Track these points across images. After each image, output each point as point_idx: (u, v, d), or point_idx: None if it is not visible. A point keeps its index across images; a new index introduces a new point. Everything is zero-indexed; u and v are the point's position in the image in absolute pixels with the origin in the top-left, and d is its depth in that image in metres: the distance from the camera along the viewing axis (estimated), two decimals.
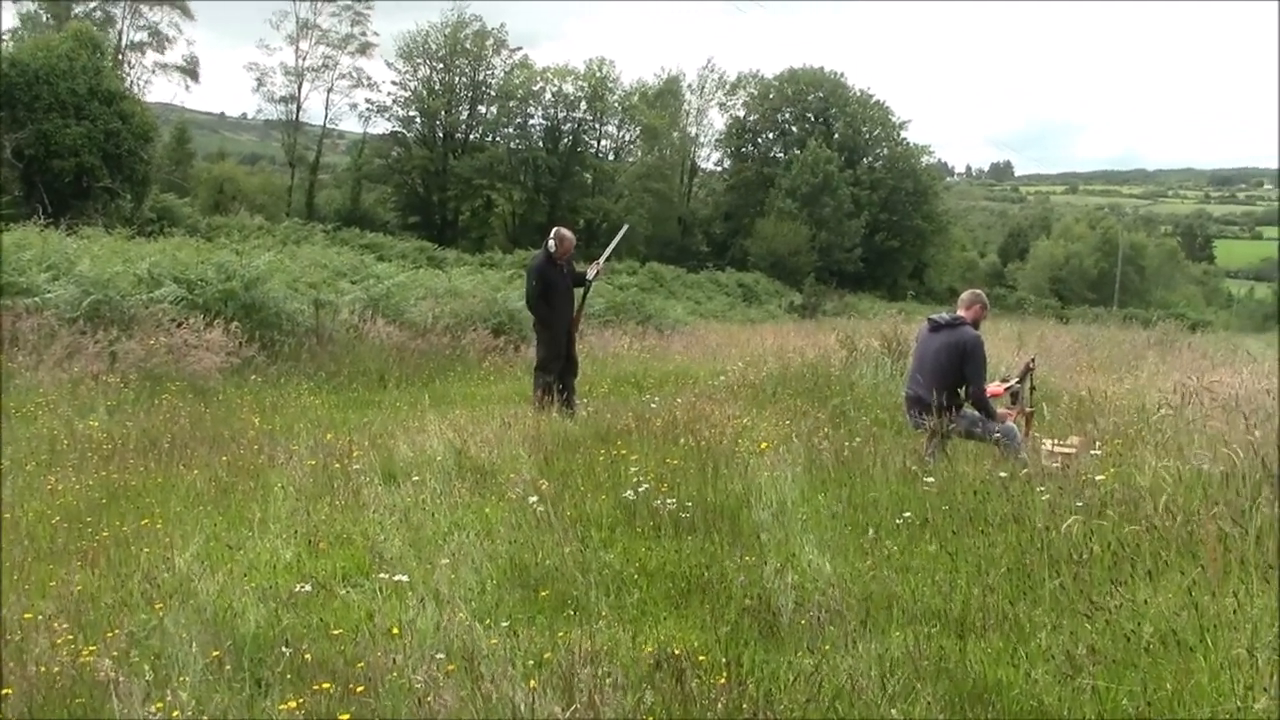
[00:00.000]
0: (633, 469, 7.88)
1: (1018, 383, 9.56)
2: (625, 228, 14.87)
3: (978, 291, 9.91)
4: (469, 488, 7.86)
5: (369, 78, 67.89)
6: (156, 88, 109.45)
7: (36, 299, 13.56)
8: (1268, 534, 5.75)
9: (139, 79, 57.54)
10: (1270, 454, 6.87)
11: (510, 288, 23.01)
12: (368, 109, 68.56)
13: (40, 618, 5.08)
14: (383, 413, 12.25)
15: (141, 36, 58.94)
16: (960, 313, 9.49)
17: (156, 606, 5.24)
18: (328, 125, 70.56)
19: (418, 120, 68.52)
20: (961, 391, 9.11)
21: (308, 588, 5.56)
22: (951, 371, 9.12)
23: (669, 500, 6.94)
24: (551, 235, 12.35)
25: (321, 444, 9.45)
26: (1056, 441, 8.92)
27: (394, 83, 68.43)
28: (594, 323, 19.81)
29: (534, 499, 7.04)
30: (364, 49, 67.02)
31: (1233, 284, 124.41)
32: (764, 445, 8.87)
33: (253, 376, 13.52)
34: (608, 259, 13.35)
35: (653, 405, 11.57)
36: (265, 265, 16.27)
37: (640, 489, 7.16)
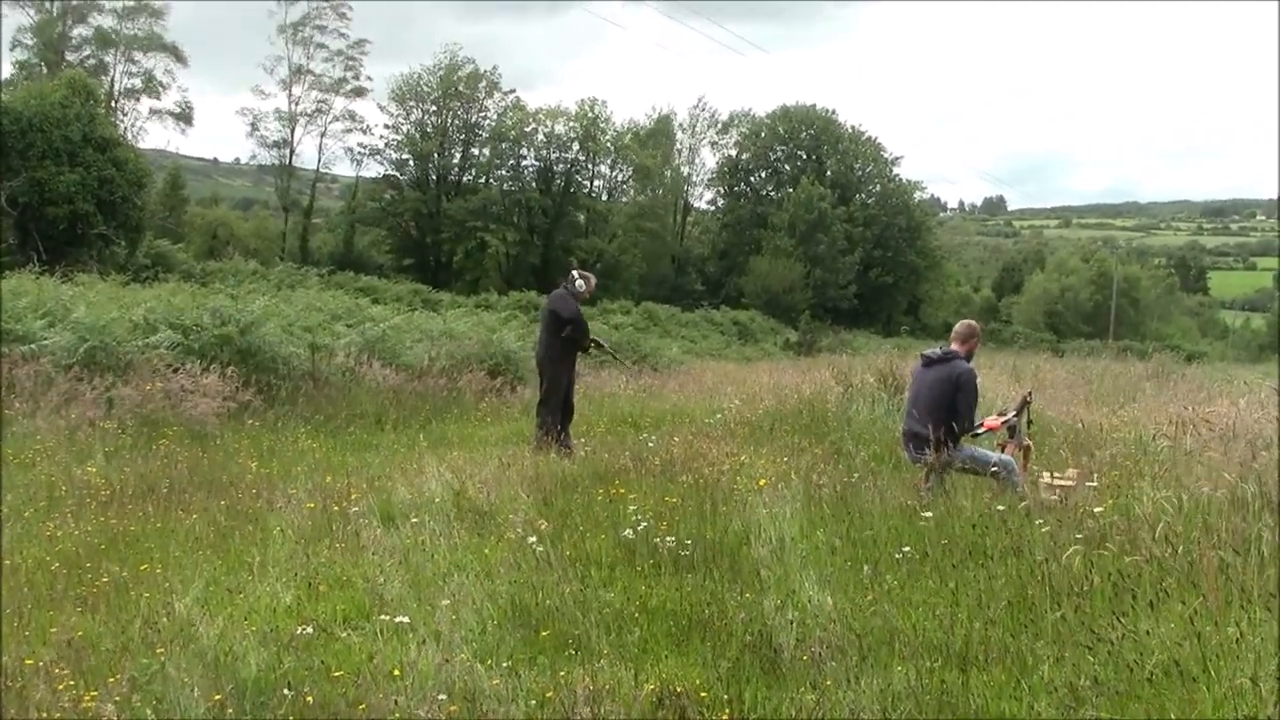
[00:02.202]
0: (631, 508, 7.88)
1: (1014, 416, 9.57)
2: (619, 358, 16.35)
3: (969, 322, 9.96)
4: (468, 529, 7.86)
5: (362, 121, 68.07)
6: (150, 134, 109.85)
7: (33, 346, 13.55)
8: (1269, 562, 5.76)
9: (133, 125, 57.71)
10: (1270, 480, 6.89)
11: (505, 329, 23.03)
12: (361, 152, 68.85)
13: (41, 664, 5.06)
14: (380, 455, 12.23)
15: (135, 83, 59.14)
16: (953, 346, 9.55)
17: (157, 651, 5.23)
18: (321, 169, 70.76)
19: (411, 163, 68.75)
20: (958, 426, 9.15)
21: (308, 630, 5.55)
22: (946, 405, 9.16)
23: (668, 538, 6.94)
24: (579, 275, 12.73)
25: (320, 487, 9.45)
26: (1054, 474, 8.94)
27: (387, 126, 68.81)
28: (590, 363, 19.80)
29: (533, 539, 7.04)
30: (357, 93, 67.36)
31: (1228, 315, 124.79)
32: (762, 482, 8.87)
33: (250, 421, 13.50)
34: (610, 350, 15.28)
35: (650, 444, 11.59)
36: (260, 310, 16.24)
37: (639, 527, 7.17)
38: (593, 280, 13.04)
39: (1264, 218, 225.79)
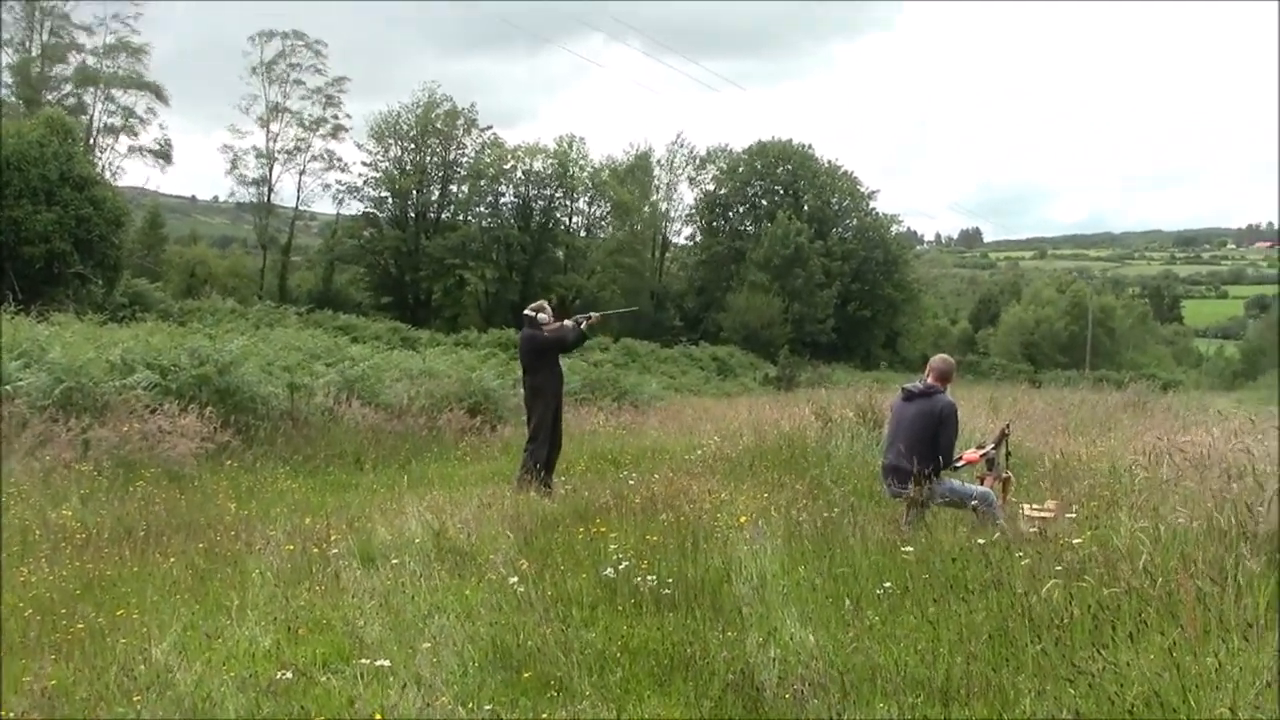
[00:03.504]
0: (612, 546, 7.87)
1: (993, 449, 9.59)
2: (634, 308, 15.87)
3: (947, 358, 9.98)
4: (448, 569, 7.83)
5: (340, 159, 68.15)
6: (129, 171, 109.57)
7: (7, 387, 13.47)
8: (1245, 591, 5.77)
9: (111, 163, 57.66)
10: (1243, 509, 6.92)
11: (485, 367, 23.03)
12: (340, 190, 68.90)
13: (13, 714, 5.01)
14: (360, 495, 12.20)
15: (115, 120, 59.08)
16: (931, 380, 9.57)
17: (134, 699, 5.18)
18: (300, 207, 70.79)
19: (389, 200, 68.87)
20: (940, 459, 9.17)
21: (288, 675, 5.51)
22: (927, 439, 9.17)
23: (649, 577, 6.92)
24: (533, 311, 12.93)
25: (299, 528, 9.40)
26: (1034, 506, 8.95)
27: (365, 163, 68.88)
28: (569, 400, 19.82)
29: (514, 579, 7.01)
30: (336, 131, 67.46)
31: (1202, 343, 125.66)
32: (743, 519, 8.87)
33: (228, 462, 13.45)
34: (603, 315, 14.62)
35: (630, 482, 11.57)
36: (239, 349, 16.20)
37: (620, 566, 7.14)
38: (547, 305, 13.17)
39: (1234, 246, 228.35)
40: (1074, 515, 8.41)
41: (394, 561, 7.87)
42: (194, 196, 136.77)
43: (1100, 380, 45.17)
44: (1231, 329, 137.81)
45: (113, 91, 58.45)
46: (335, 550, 8.30)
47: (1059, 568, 6.42)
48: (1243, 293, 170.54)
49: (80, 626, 6.52)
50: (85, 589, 7.52)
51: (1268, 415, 13.61)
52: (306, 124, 66.25)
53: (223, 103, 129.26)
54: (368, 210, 69.15)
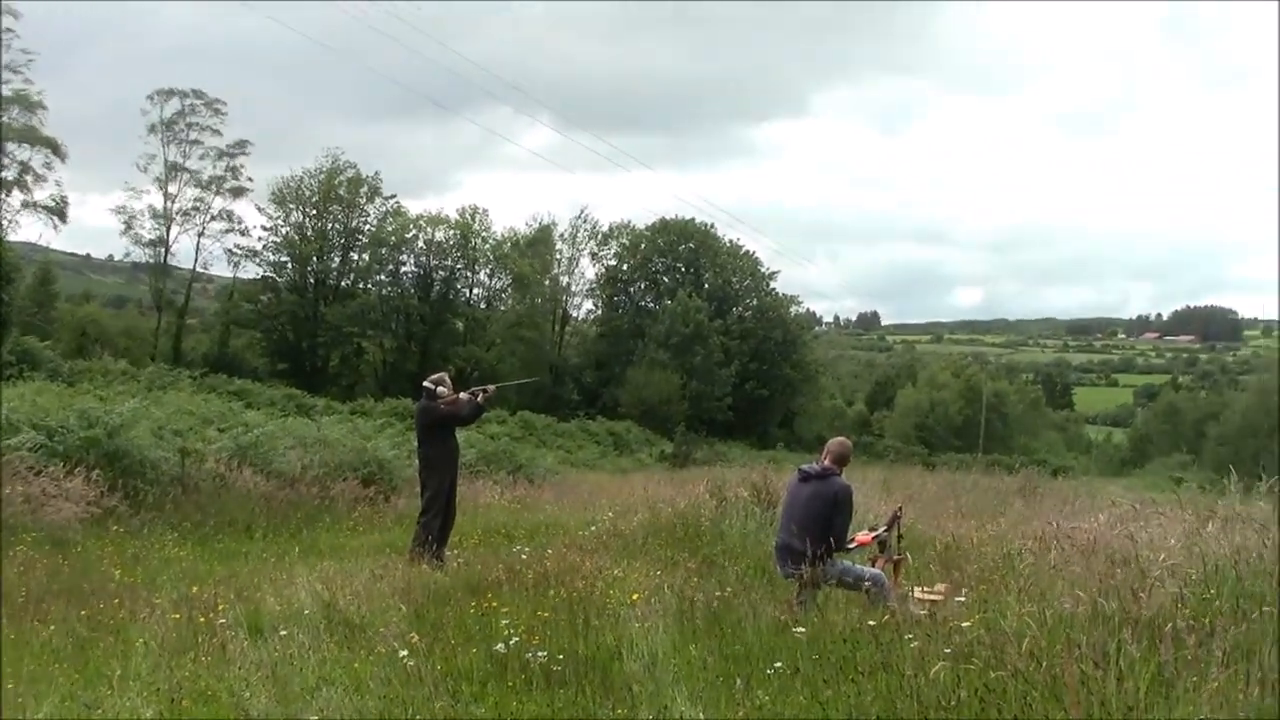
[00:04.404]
0: (504, 621, 7.82)
1: (885, 531, 9.72)
2: (534, 379, 15.80)
3: (845, 441, 10.12)
4: (338, 641, 7.73)
5: (241, 222, 67.33)
6: (22, 227, 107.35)
7: None
8: (1128, 674, 5.90)
9: (4, 218, 56.40)
10: (1127, 594, 7.09)
11: (380, 436, 22.86)
12: (239, 253, 67.97)
13: None
14: (249, 564, 12.01)
15: (8, 175, 57.86)
16: (828, 463, 9.69)
17: None
18: (197, 269, 69.77)
19: (289, 266, 68.16)
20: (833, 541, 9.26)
21: None
22: (822, 520, 9.28)
23: (540, 653, 6.88)
24: (431, 384, 12.85)
25: (186, 596, 9.24)
26: (924, 589, 9.07)
27: (265, 227, 68.13)
28: (464, 473, 19.73)
29: (404, 653, 6.94)
30: (237, 193, 66.72)
31: (1092, 429, 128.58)
32: (635, 596, 8.87)
33: (114, 527, 13.17)
34: (500, 388, 14.46)
35: (524, 556, 11.54)
36: (130, 412, 15.92)
37: (511, 641, 7.10)
38: (446, 377, 13.15)
39: (1124, 336, 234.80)
40: (964, 598, 8.53)
41: (282, 632, 7.75)
42: (88, 255, 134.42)
43: (993, 464, 45.94)
44: (1121, 417, 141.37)
45: (7, 145, 57.33)
46: (222, 620, 8.16)
47: (948, 650, 6.50)
48: (1132, 381, 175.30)
49: None
50: None
51: (1150, 502, 13.98)
52: (205, 184, 65.40)
53: (120, 159, 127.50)
54: (266, 275, 68.33)
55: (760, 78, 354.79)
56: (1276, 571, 8.01)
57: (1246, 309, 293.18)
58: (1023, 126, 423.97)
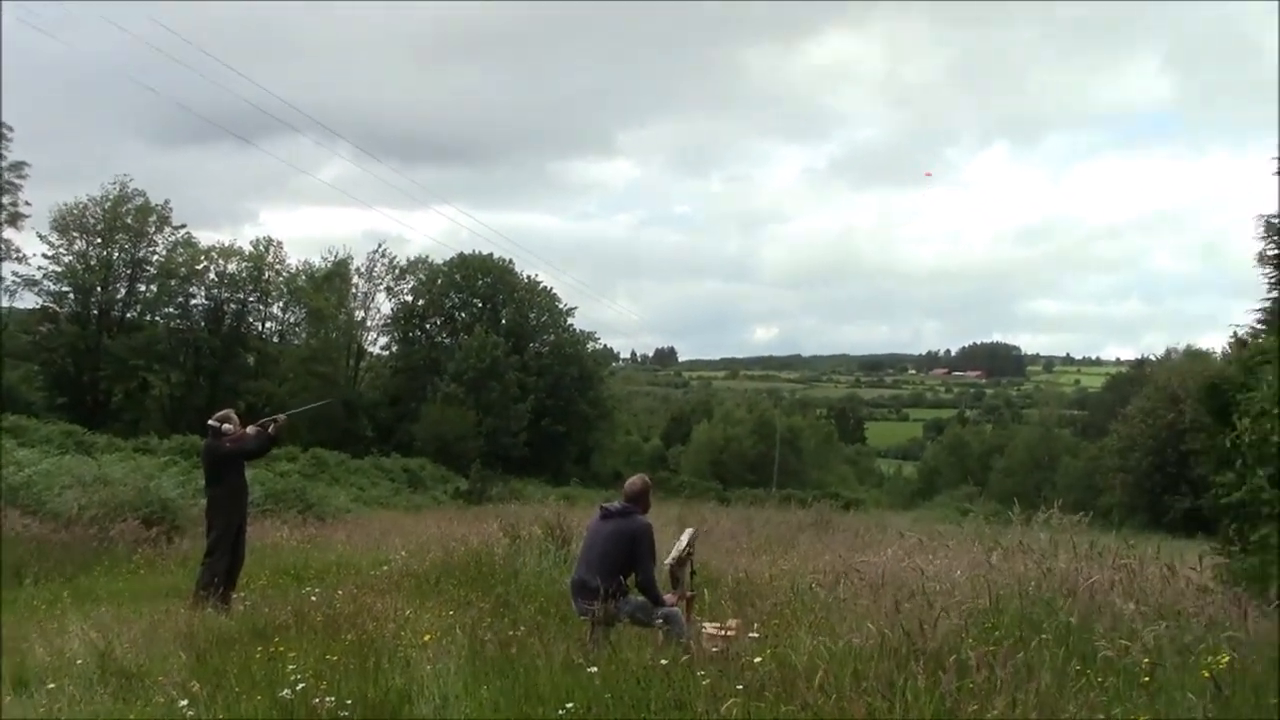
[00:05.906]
0: (291, 666, 7.60)
1: (678, 563, 9.72)
2: (328, 400, 15.38)
3: (643, 477, 10.09)
4: (113, 693, 7.39)
5: (18, 250, 64.13)
6: None
7: None
8: (914, 705, 6.00)
9: None
10: (915, 627, 7.23)
11: (165, 475, 22.07)
12: (15, 282, 64.77)
13: None
14: (17, 613, 11.38)
15: None
16: (628, 503, 9.66)
17: None
18: None
19: (71, 296, 65.33)
20: (628, 579, 9.23)
21: None
22: (620, 558, 9.24)
23: (329, 698, 6.70)
24: (217, 422, 12.50)
25: None
26: (718, 624, 9.10)
27: (46, 255, 65.12)
28: (252, 512, 19.18)
29: (184, 702, 6.68)
30: (14, 220, 63.57)
31: (883, 463, 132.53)
32: (427, 637, 8.74)
33: None
34: (290, 415, 13.85)
35: (313, 598, 11.24)
36: None
37: (298, 687, 6.88)
38: (232, 414, 12.81)
39: (914, 372, 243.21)
40: (756, 634, 8.59)
41: (50, 686, 7.36)
42: None
43: (787, 498, 46.97)
44: (911, 450, 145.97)
45: None
46: None
47: (740, 686, 6.52)
48: (922, 415, 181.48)
49: None
50: None
51: (937, 534, 14.40)
52: None
53: None
54: (46, 305, 65.34)
55: (565, 114, 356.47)
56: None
57: (1029, 346, 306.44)
58: (824, 168, 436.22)
